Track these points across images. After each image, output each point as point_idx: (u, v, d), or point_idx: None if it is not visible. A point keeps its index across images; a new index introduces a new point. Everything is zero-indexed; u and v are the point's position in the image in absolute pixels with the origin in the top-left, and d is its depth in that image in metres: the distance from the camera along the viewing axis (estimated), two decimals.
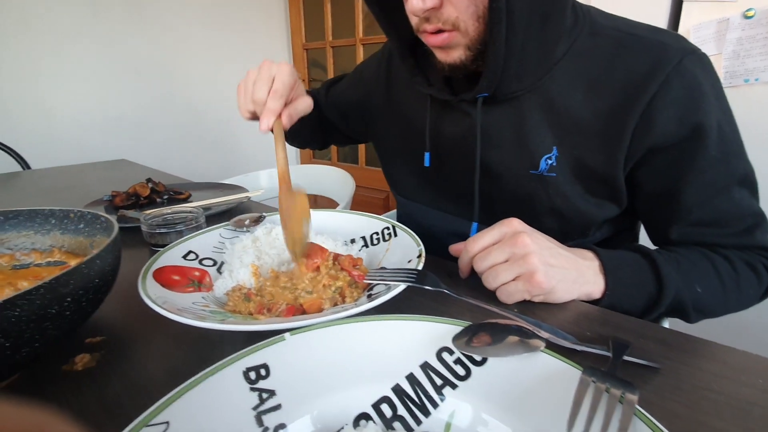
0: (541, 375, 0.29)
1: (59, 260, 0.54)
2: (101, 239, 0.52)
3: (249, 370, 0.29)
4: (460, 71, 0.58)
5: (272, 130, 0.55)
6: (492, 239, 0.49)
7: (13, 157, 1.57)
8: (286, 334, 0.32)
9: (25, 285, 0.48)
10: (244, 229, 0.58)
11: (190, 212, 0.72)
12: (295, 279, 0.45)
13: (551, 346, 0.33)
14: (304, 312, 0.42)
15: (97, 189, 1.11)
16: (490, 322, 0.35)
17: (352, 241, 0.61)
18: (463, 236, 0.68)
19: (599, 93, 0.55)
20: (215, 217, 0.83)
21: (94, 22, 1.99)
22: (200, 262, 0.52)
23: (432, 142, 0.67)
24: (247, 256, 0.50)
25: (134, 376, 0.39)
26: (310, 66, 2.86)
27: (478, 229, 0.65)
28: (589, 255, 0.52)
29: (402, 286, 0.41)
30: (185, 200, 0.93)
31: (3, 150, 1.55)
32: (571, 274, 0.48)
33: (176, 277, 0.46)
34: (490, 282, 0.48)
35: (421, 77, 0.66)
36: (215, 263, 0.53)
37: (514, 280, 0.47)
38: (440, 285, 0.44)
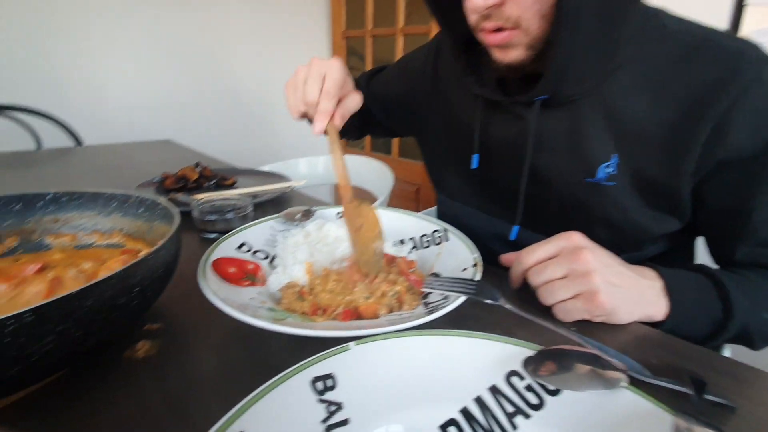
0: (625, 414, 0.27)
1: (119, 243, 0.56)
2: (160, 225, 0.53)
3: (316, 380, 0.28)
4: (517, 72, 0.56)
5: (326, 133, 0.54)
6: (548, 252, 0.47)
7: (67, 132, 1.64)
8: (351, 344, 0.31)
9: (87, 266, 0.49)
10: (295, 223, 0.58)
11: (238, 200, 0.73)
12: (346, 280, 0.44)
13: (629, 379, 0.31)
14: (360, 316, 0.41)
15: (145, 169, 1.15)
16: (562, 348, 0.33)
17: (401, 241, 0.59)
18: (504, 239, 0.66)
19: (666, 100, 0.51)
20: (260, 205, 0.83)
21: (144, 4, 2.04)
22: (253, 254, 0.52)
23: (481, 144, 0.65)
24: (300, 253, 0.50)
25: (192, 368, 0.39)
26: (349, 54, 2.84)
27: (519, 233, 0.62)
28: (650, 274, 0.49)
29: (462, 298, 0.40)
30: (231, 186, 0.94)
31: (58, 125, 1.63)
32: (634, 295, 0.46)
33: (232, 270, 0.47)
34: (546, 298, 0.46)
35: (473, 76, 0.63)
36: (267, 256, 0.53)
37: (572, 297, 0.45)
38: (499, 298, 0.42)
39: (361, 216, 0.49)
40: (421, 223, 0.61)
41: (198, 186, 0.92)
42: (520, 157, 0.59)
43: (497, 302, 0.41)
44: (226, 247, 0.50)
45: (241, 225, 0.70)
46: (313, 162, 1.43)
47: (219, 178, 0.95)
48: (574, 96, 0.55)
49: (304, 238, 0.53)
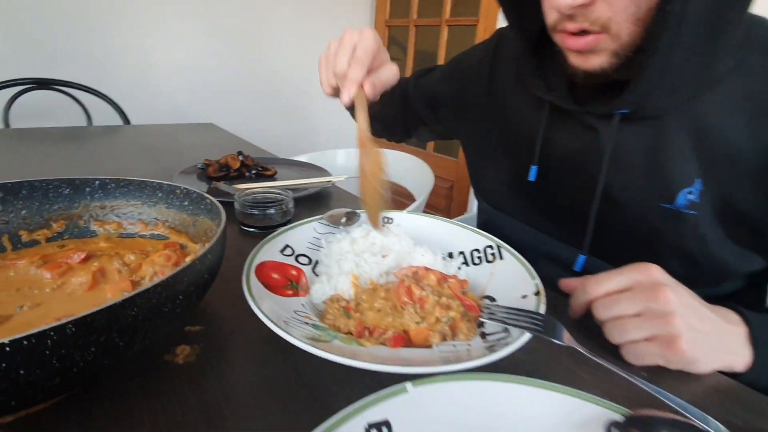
0: None
1: (162, 234, 0.55)
2: (204, 220, 0.51)
3: (371, 426, 0.25)
4: (597, 79, 0.50)
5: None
6: (620, 284, 0.42)
7: (117, 110, 1.69)
8: (408, 385, 0.28)
9: (132, 258, 0.48)
10: (340, 227, 0.55)
11: (279, 194, 0.71)
12: (394, 300, 0.41)
13: None
14: (410, 342, 0.38)
15: (189, 153, 1.15)
16: (651, 415, 0.29)
17: (450, 255, 0.55)
18: (562, 263, 0.61)
19: (766, 122, 0.45)
20: (300, 200, 0.81)
21: None
22: (296, 258, 0.50)
23: (542, 154, 0.59)
24: (346, 263, 0.47)
25: (232, 379, 0.37)
26: (391, 44, 2.78)
27: (586, 263, 0.57)
28: (734, 318, 0.43)
29: (526, 336, 0.36)
30: (271, 177, 0.93)
31: (109, 103, 1.68)
32: (716, 342, 0.40)
33: (276, 276, 0.44)
34: (615, 335, 0.41)
35: (541, 80, 0.58)
36: (310, 261, 0.51)
37: (646, 340, 0.40)
38: (565, 337, 0.37)
39: (369, 159, 0.47)
40: (471, 236, 0.57)
41: (239, 175, 0.91)
42: (589, 175, 0.53)
43: (563, 343, 0.37)
44: (269, 249, 0.48)
45: (281, 221, 0.68)
46: (352, 154, 1.40)
47: (260, 168, 0.94)
48: (661, 111, 0.49)
49: (350, 245, 0.51)
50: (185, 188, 0.54)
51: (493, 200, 0.71)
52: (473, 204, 2.39)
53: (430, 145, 2.65)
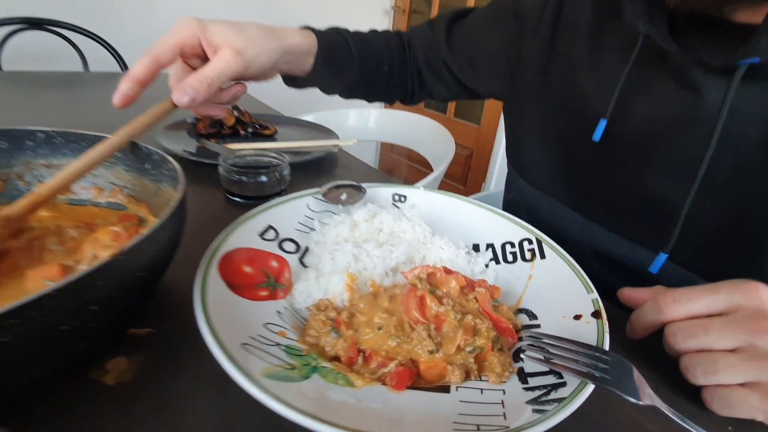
0: None
1: (119, 203, 0.45)
2: (168, 189, 0.40)
3: None
4: (719, 11, 0.36)
5: None
6: (712, 307, 0.31)
7: (115, 56, 1.56)
8: None
9: (74, 235, 0.38)
10: (339, 204, 0.44)
11: (274, 158, 0.59)
12: (401, 314, 0.30)
13: None
14: (419, 378, 0.28)
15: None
16: None
17: (476, 247, 0.44)
18: (622, 263, 0.48)
19: None
20: (300, 166, 0.70)
21: None
22: (280, 244, 0.39)
23: (616, 114, 0.45)
24: (341, 255, 0.36)
25: (177, 412, 0.27)
26: None
27: (665, 266, 0.43)
28: None
29: (589, 390, 0.24)
30: (270, 137, 0.81)
31: (106, 48, 1.55)
32: None
33: (249, 269, 0.34)
34: (698, 374, 0.30)
35: (642, 5, 0.41)
36: (298, 248, 0.40)
37: (742, 385, 0.29)
38: (644, 393, 0.26)
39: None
40: (504, 225, 0.45)
41: (234, 133, 0.80)
42: (684, 145, 0.40)
43: (643, 402, 0.26)
44: (246, 232, 0.37)
45: (274, 190, 0.57)
46: (365, 115, 1.26)
47: (258, 126, 0.82)
48: None
49: (349, 230, 0.39)
50: (146, 147, 0.42)
51: (534, 175, 0.57)
52: (494, 175, 2.23)
53: (451, 109, 2.46)
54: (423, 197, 0.49)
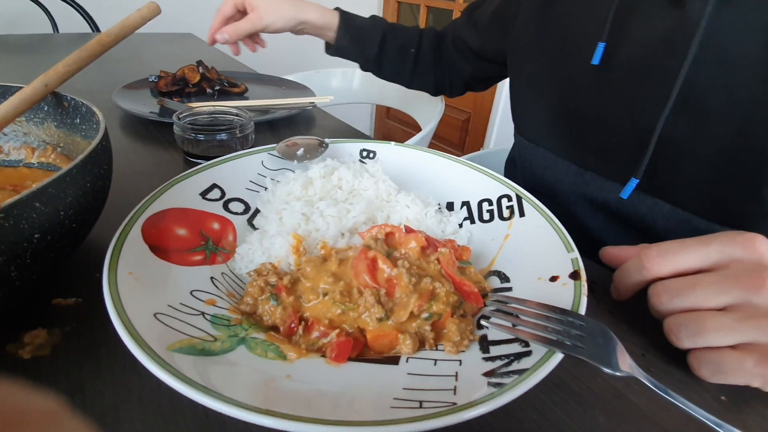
0: None
1: (52, 163, 0.40)
2: None
3: None
4: None
5: None
6: (702, 261, 0.28)
7: (85, 17, 1.47)
8: None
9: None
10: (295, 160, 0.39)
11: (236, 115, 0.54)
12: (352, 277, 0.26)
13: None
14: (365, 347, 0.24)
15: (155, 65, 0.96)
16: None
17: (450, 206, 0.40)
18: (617, 209, 0.45)
19: None
20: (270, 126, 0.65)
21: None
22: (226, 205, 0.35)
23: (611, 38, 0.42)
24: (289, 215, 0.32)
25: (94, 392, 0.24)
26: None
27: (636, 194, 0.42)
28: None
29: (557, 359, 0.21)
30: (240, 95, 0.75)
31: (76, 8, 1.45)
32: None
33: (182, 232, 0.30)
34: (682, 336, 0.27)
35: None
36: (247, 209, 0.36)
37: (735, 347, 0.26)
38: (623, 362, 0.23)
39: None
40: (482, 181, 0.40)
41: (199, 91, 0.74)
42: (667, 69, 0.37)
43: (621, 373, 0.22)
44: (184, 191, 0.33)
45: (237, 150, 0.53)
46: (349, 75, 1.19)
47: (226, 83, 0.75)
48: None
49: (302, 188, 0.35)
50: (72, 98, 0.38)
51: (528, 128, 0.54)
52: (492, 140, 2.16)
53: None
54: (394, 153, 0.44)
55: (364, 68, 0.77)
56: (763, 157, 0.35)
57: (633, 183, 0.40)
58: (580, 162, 0.47)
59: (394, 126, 2.76)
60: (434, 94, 0.83)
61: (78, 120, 0.38)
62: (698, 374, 0.27)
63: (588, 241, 0.39)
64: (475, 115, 2.26)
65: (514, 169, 0.62)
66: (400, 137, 2.69)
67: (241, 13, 0.69)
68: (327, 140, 0.42)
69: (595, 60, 0.42)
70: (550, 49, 0.49)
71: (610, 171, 0.44)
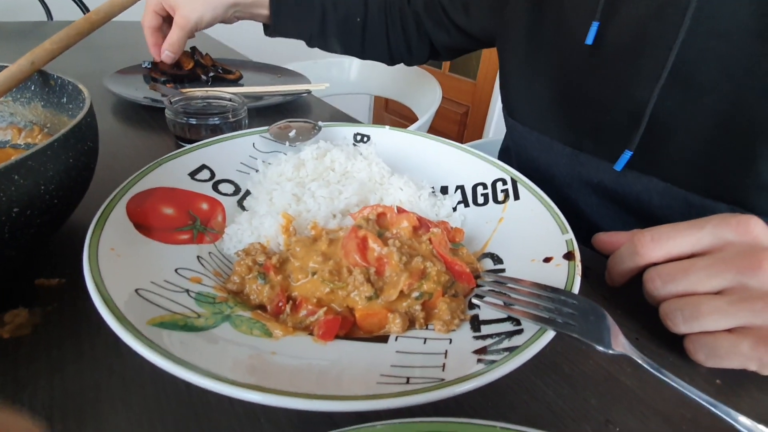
0: None
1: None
2: None
3: None
4: None
5: None
6: (696, 244, 0.27)
7: (79, 5, 1.45)
8: None
9: None
10: (286, 142, 0.39)
11: (230, 101, 0.53)
12: (342, 256, 0.26)
13: None
14: (353, 327, 0.23)
15: (149, 52, 0.96)
16: None
17: (444, 190, 0.39)
18: (612, 190, 0.44)
19: None
20: (263, 112, 0.64)
21: None
22: (215, 186, 0.34)
23: (607, 10, 0.41)
24: (280, 195, 0.31)
25: (72, 374, 0.24)
26: None
27: (629, 169, 0.41)
28: None
29: (548, 336, 0.20)
30: (234, 82, 0.74)
31: None
32: None
33: (169, 211, 0.29)
34: (678, 321, 0.27)
35: None
36: (237, 191, 0.35)
37: (731, 331, 0.25)
38: (615, 341, 0.22)
39: None
40: (477, 165, 0.40)
41: (194, 78, 0.73)
42: (662, 41, 0.36)
43: (614, 351, 0.22)
44: (172, 171, 0.32)
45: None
46: (346, 66, 1.18)
47: (220, 70, 0.74)
48: None
49: (293, 170, 0.34)
50: (58, 77, 0.37)
51: (522, 112, 0.53)
52: (490, 132, 2.15)
53: (446, 64, 2.34)
54: (389, 137, 0.44)
55: (310, 45, 0.72)
56: (756, 129, 0.34)
57: (626, 155, 0.40)
58: (575, 143, 0.46)
59: (392, 119, 2.75)
60: (390, 63, 0.76)
61: (65, 99, 0.37)
62: (694, 358, 0.27)
63: (584, 226, 0.39)
64: (474, 108, 2.25)
65: (509, 158, 0.61)
66: None
67: (165, 17, 0.65)
68: (321, 123, 0.41)
69: (589, 40, 0.41)
70: (544, 31, 0.49)
71: (604, 150, 0.44)
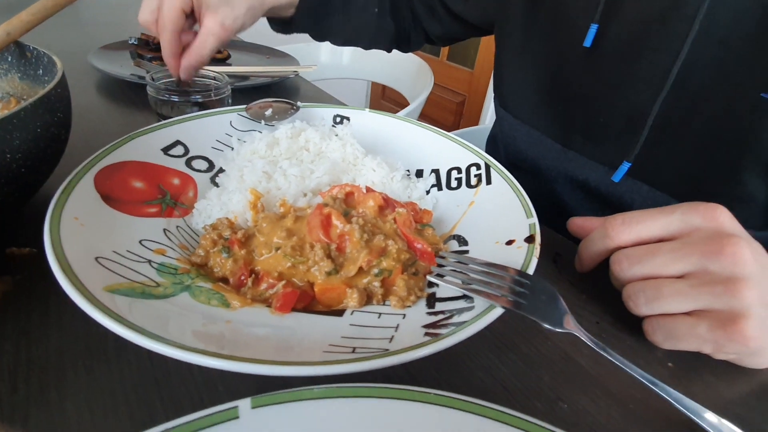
0: None
1: None
2: None
3: None
4: None
5: None
6: (664, 229, 0.28)
7: None
8: (243, 405, 0.15)
9: None
10: (262, 121, 0.39)
11: (213, 79, 0.53)
12: (307, 232, 0.26)
13: None
14: (313, 301, 0.24)
15: (137, 29, 0.94)
16: None
17: (419, 173, 0.39)
18: (597, 189, 0.45)
19: None
20: (248, 93, 0.63)
21: None
22: (188, 162, 0.34)
23: (607, 12, 0.40)
24: (251, 172, 0.31)
25: (39, 338, 0.24)
26: None
27: (627, 178, 0.41)
28: None
29: (495, 313, 0.21)
30: (222, 61, 0.74)
31: None
32: None
33: (138, 185, 0.29)
34: (640, 303, 0.27)
35: None
36: (210, 167, 0.35)
37: (689, 314, 0.26)
38: (567, 318, 0.23)
39: None
40: (453, 150, 0.40)
41: None
42: (664, 48, 0.36)
43: (564, 330, 0.23)
44: (145, 145, 0.33)
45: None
46: (338, 50, 1.16)
47: None
48: None
49: (266, 148, 0.35)
50: (35, 49, 0.36)
51: (514, 104, 0.53)
52: (486, 121, 2.14)
53: (444, 51, 2.32)
54: (369, 120, 0.44)
55: (319, 39, 0.66)
56: (744, 140, 0.34)
57: (625, 167, 0.40)
58: (564, 141, 0.46)
59: (389, 107, 2.73)
60: (389, 51, 0.72)
61: (41, 71, 0.37)
62: (651, 340, 0.28)
63: (566, 217, 0.39)
64: (470, 98, 2.24)
65: (495, 146, 0.61)
66: None
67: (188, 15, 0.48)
68: (299, 104, 0.41)
69: (587, 42, 0.41)
70: (541, 24, 0.48)
71: (594, 152, 0.44)
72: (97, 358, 0.24)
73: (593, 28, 0.40)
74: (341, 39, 0.66)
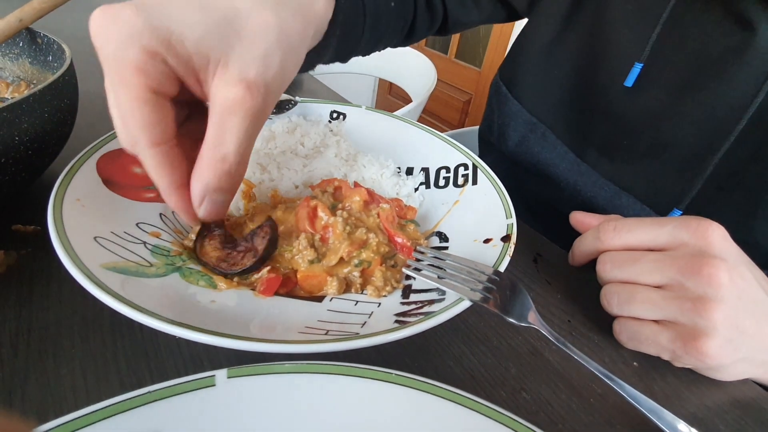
0: None
1: None
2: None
3: None
4: None
5: None
6: (652, 240, 0.29)
7: None
8: (220, 375, 0.16)
9: None
10: None
11: None
12: (294, 222, 0.28)
13: None
14: (295, 287, 0.26)
15: None
16: None
17: (410, 171, 0.41)
18: (591, 206, 0.44)
19: None
20: None
21: None
22: None
23: (655, 52, 0.39)
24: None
25: (39, 309, 0.26)
26: None
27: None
28: None
29: (464, 305, 0.23)
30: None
31: None
32: (761, 351, 0.27)
33: (138, 170, 0.31)
34: (614, 303, 0.29)
35: None
36: None
37: (658, 322, 0.28)
38: (531, 313, 0.24)
39: None
40: (444, 150, 0.41)
41: None
42: (733, 90, 0.35)
43: (527, 324, 0.24)
44: None
45: None
46: None
47: None
48: None
49: (263, 141, 0.36)
50: (46, 36, 0.38)
51: (530, 98, 0.50)
52: None
53: (453, 49, 2.32)
54: (365, 117, 0.45)
55: (363, 54, 0.51)
56: (762, 187, 0.35)
57: (676, 213, 0.39)
58: (580, 152, 0.45)
59: (395, 102, 2.73)
60: (395, 47, 0.62)
61: (50, 57, 0.39)
62: (617, 338, 0.30)
63: (562, 224, 0.38)
64: (477, 97, 2.24)
65: (493, 135, 0.56)
66: None
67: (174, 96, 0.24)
68: (297, 98, 0.43)
69: (629, 82, 0.39)
70: (576, 40, 0.45)
71: (608, 171, 0.43)
72: (92, 329, 0.25)
73: (637, 67, 0.39)
74: (368, 50, 0.51)
